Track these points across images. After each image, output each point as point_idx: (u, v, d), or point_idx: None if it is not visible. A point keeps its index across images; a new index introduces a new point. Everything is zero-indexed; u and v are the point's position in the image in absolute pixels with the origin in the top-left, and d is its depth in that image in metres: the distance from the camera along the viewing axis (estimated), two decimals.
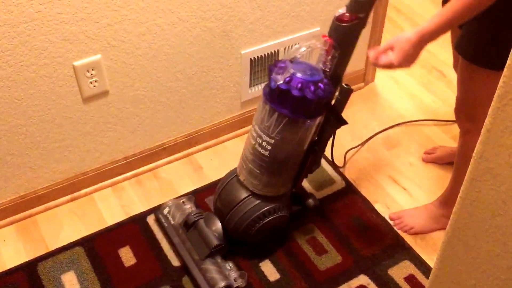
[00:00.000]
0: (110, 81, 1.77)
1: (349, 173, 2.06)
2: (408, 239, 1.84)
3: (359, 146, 2.15)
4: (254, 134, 1.58)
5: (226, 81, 2.02)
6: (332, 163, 1.85)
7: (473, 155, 0.87)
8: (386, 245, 1.82)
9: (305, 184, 1.99)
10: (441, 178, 2.03)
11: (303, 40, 1.49)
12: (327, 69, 1.52)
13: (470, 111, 1.62)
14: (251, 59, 2.01)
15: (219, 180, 1.78)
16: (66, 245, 1.80)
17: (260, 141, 1.56)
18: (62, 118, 1.76)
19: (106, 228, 1.86)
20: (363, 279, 1.73)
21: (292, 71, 1.46)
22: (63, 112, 1.75)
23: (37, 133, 1.75)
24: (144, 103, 1.89)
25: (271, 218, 1.68)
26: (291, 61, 1.48)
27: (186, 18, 1.77)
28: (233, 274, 1.68)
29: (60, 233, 1.85)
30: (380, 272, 1.74)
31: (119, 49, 1.71)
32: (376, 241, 1.83)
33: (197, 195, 1.94)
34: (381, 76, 2.49)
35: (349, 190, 1.99)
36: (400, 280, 1.72)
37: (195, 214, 1.75)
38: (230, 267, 1.70)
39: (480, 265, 0.96)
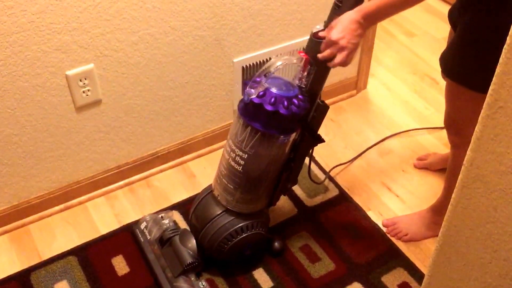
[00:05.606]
0: (103, 90, 1.77)
1: (342, 181, 2.06)
2: (402, 246, 1.85)
3: (348, 163, 2.13)
4: (228, 149, 1.56)
5: (219, 89, 2.03)
6: (310, 179, 1.79)
7: (464, 162, 0.88)
8: (379, 252, 1.82)
9: (298, 191, 1.99)
10: (434, 185, 2.04)
11: (279, 55, 1.47)
12: (302, 86, 1.50)
13: (457, 126, 1.61)
14: (243, 67, 2.01)
15: (195, 195, 1.76)
16: (59, 254, 1.79)
17: (233, 155, 1.54)
18: (55, 128, 1.76)
19: (99, 237, 1.85)
20: (356, 286, 1.73)
21: (266, 85, 1.43)
22: (56, 121, 1.75)
23: (30, 142, 1.74)
24: (137, 111, 1.89)
25: (245, 235, 1.65)
26: (266, 75, 1.45)
27: (178, 27, 1.78)
28: None
29: (53, 242, 1.84)
30: (373, 279, 1.74)
31: (112, 58, 1.71)
32: (369, 248, 1.84)
33: (190, 204, 1.93)
34: (374, 83, 2.50)
35: (342, 197, 2.00)
36: (393, 287, 1.72)
37: (170, 230, 1.73)
38: (203, 285, 1.67)
39: (472, 272, 0.96)
